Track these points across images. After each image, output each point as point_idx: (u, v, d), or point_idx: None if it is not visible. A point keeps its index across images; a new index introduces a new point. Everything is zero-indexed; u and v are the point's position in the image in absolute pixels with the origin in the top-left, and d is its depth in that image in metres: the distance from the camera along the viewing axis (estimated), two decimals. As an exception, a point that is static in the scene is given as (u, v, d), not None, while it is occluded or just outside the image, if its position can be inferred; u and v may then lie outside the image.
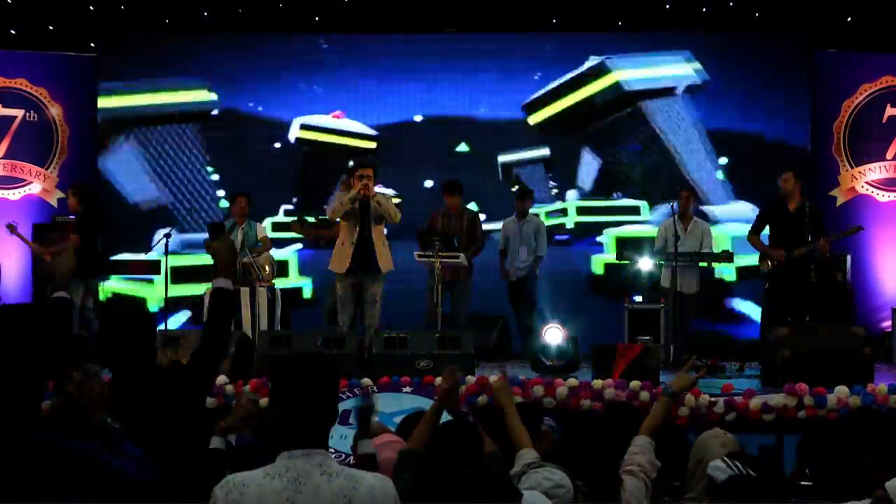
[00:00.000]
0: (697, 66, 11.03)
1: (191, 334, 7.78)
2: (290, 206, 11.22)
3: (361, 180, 8.14)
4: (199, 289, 10.18)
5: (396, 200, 9.38)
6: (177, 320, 10.68)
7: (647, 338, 8.31)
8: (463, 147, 11.30)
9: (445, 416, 3.95)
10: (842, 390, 6.78)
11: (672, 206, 9.09)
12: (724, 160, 11.07)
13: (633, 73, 11.19)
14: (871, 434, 3.44)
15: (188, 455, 3.19)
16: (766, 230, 8.67)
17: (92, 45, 11.22)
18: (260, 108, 11.23)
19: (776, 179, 8.54)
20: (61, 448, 2.45)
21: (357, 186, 8.15)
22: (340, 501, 2.38)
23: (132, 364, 3.31)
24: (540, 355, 8.12)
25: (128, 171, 11.19)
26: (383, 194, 8.43)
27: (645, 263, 9.30)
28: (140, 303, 10.89)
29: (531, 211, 9.92)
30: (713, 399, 6.84)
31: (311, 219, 10.14)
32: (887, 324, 9.97)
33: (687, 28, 10.86)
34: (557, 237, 11.02)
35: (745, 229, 9.20)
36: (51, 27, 11.01)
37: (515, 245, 9.66)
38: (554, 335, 8.16)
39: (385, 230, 8.42)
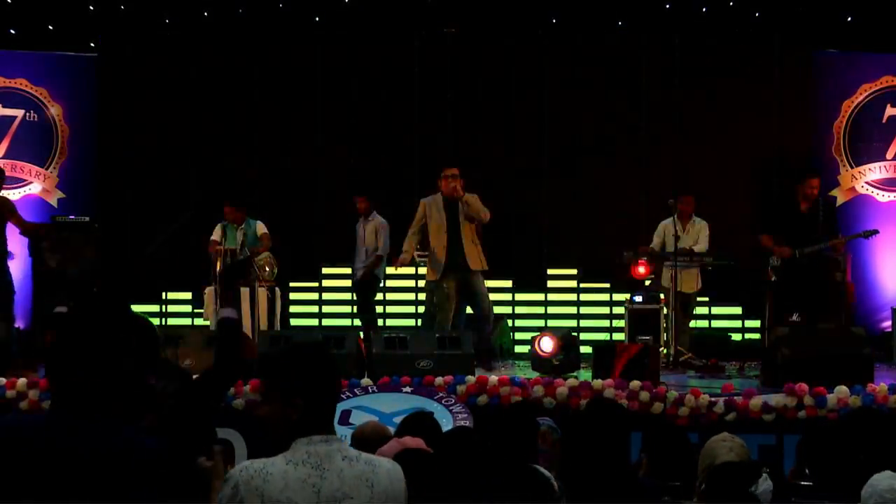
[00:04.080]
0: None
1: (192, 332, 7.74)
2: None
3: (450, 182, 8.18)
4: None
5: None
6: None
7: (647, 338, 8.29)
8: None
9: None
10: (842, 390, 6.79)
11: (670, 205, 9.03)
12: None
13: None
14: (871, 434, 3.44)
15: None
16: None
17: (92, 45, 11.22)
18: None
19: (793, 185, 8.62)
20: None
21: (448, 189, 8.19)
22: (364, 485, 2.40)
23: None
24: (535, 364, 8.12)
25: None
26: (471, 193, 8.40)
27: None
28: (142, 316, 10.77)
29: None
30: (713, 399, 6.84)
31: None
32: (887, 324, 9.96)
33: (687, 28, 10.84)
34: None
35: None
36: (51, 27, 11.00)
37: (358, 245, 9.67)
38: (547, 343, 8.10)
39: (474, 229, 8.39)
